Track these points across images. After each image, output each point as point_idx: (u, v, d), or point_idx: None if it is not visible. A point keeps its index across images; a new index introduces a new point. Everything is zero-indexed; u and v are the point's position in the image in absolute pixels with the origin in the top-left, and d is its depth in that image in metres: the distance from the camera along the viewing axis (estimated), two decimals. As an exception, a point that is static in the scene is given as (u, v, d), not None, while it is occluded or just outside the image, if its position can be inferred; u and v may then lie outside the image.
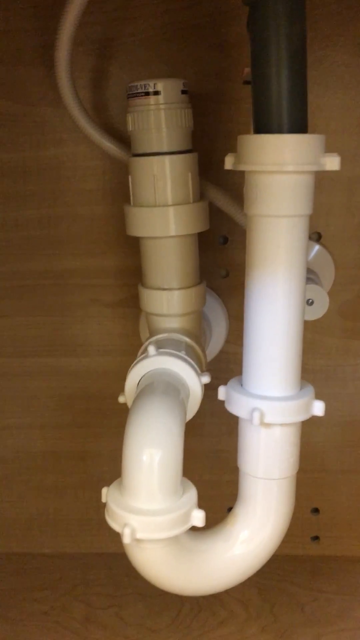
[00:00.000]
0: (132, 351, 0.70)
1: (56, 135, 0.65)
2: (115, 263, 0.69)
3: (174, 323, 0.58)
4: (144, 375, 0.51)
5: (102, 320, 0.71)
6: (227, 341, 0.69)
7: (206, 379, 0.51)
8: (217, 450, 0.75)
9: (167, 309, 0.57)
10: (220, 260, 0.67)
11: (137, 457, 0.43)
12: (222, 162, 0.62)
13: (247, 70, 0.51)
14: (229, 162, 0.43)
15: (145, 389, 0.48)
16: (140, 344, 0.68)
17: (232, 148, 0.62)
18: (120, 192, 0.66)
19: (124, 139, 0.60)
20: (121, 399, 0.53)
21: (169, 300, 0.57)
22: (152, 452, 0.43)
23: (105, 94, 0.63)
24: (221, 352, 0.70)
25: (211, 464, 0.75)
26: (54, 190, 0.67)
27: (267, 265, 0.42)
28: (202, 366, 0.56)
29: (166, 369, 0.50)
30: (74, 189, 0.66)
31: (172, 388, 0.48)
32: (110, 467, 0.76)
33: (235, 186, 0.64)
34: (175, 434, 0.44)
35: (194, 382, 0.51)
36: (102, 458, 0.76)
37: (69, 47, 0.54)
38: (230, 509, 0.52)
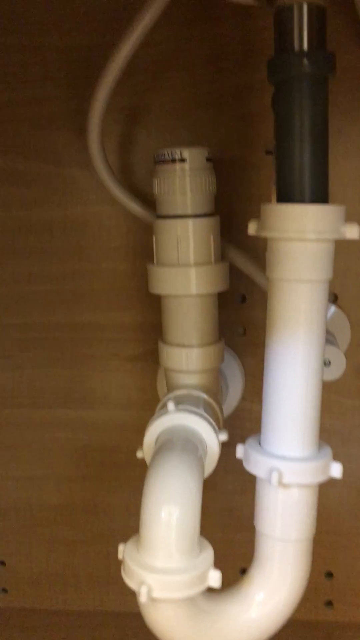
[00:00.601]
0: (149, 406, 0.71)
1: (83, 195, 0.68)
2: (135, 318, 0.70)
3: (193, 379, 0.59)
4: (162, 431, 0.51)
5: (120, 374, 0.72)
6: (242, 398, 0.70)
7: (224, 437, 0.52)
8: (230, 508, 0.74)
9: (186, 366, 0.58)
10: (238, 318, 0.69)
11: (155, 513, 0.43)
12: (242, 224, 0.65)
13: (269, 140, 0.54)
14: (252, 228, 0.45)
15: (164, 445, 0.49)
16: (158, 399, 0.69)
17: (252, 211, 0.65)
18: (142, 250, 0.68)
19: (148, 201, 0.63)
20: (139, 454, 0.53)
21: (188, 357, 0.58)
22: (171, 509, 0.43)
23: (132, 158, 0.66)
24: (237, 408, 0.70)
25: (224, 522, 0.75)
26: (79, 246, 0.69)
27: (288, 327, 0.43)
28: (220, 423, 0.57)
29: (184, 426, 0.51)
30: (99, 246, 0.69)
31: (191, 445, 0.49)
32: (122, 523, 0.75)
33: (254, 247, 0.66)
34: (193, 492, 0.44)
35: (211, 439, 0.51)
36: (114, 513, 0.75)
37: (101, 115, 0.58)
38: (243, 570, 0.51)
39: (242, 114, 0.64)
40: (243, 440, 0.52)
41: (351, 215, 0.45)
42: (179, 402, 0.54)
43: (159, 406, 0.58)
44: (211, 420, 0.52)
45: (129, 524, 0.75)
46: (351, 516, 0.72)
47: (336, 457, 0.48)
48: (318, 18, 0.40)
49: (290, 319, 0.43)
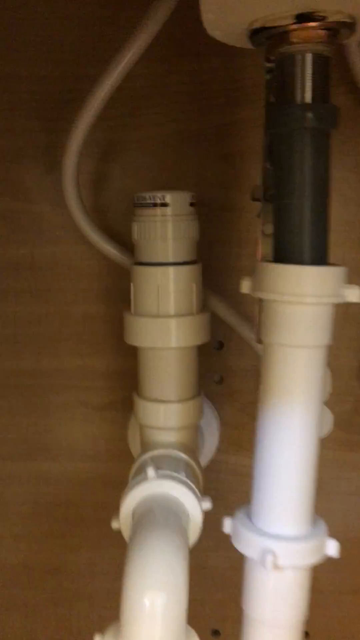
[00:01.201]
0: (118, 458, 0.67)
1: (53, 234, 0.63)
2: (105, 365, 0.66)
3: (170, 436, 0.55)
4: (141, 500, 0.47)
5: (88, 424, 0.67)
6: (218, 449, 0.66)
7: (207, 505, 0.48)
8: (203, 565, 0.70)
9: (164, 422, 0.54)
10: (215, 365, 0.65)
11: (137, 600, 0.39)
12: (222, 269, 0.63)
13: (256, 185, 0.51)
14: (245, 287, 0.42)
15: (144, 519, 0.44)
16: (128, 451, 0.65)
17: (232, 255, 0.63)
18: (115, 293, 0.64)
19: (122, 241, 0.59)
20: (115, 525, 0.49)
21: (166, 413, 0.54)
22: (155, 596, 0.39)
23: (106, 196, 0.62)
24: (212, 460, 0.66)
25: (196, 580, 0.70)
26: (47, 288, 0.65)
27: (283, 396, 0.40)
28: (200, 485, 0.53)
29: (166, 495, 0.47)
30: (68, 288, 0.64)
31: (173, 518, 0.45)
32: (86, 582, 0.70)
33: (232, 293, 0.63)
34: (179, 575, 0.40)
35: (195, 509, 0.47)
36: (78, 573, 0.70)
37: (78, 152, 0.54)
38: (215, 631, 0.47)
39: (224, 154, 0.61)
40: (218, 494, 0.49)
41: (338, 260, 0.42)
42: (157, 464, 0.50)
43: (134, 467, 0.53)
44: (194, 487, 0.48)
45: (93, 584, 0.70)
46: (330, 573, 0.69)
47: (316, 510, 0.45)
48: (322, 68, 0.37)
49: (286, 387, 0.40)
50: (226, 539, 0.50)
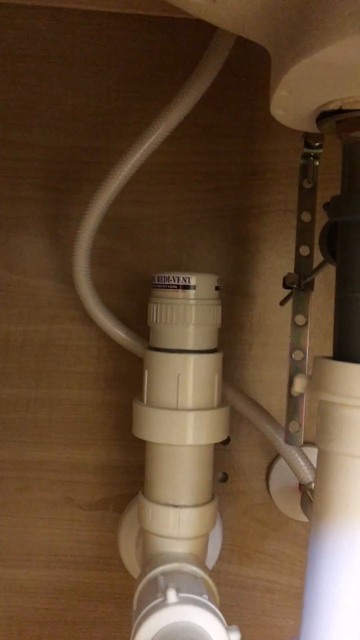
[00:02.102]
0: (107, 566, 0.59)
1: (50, 310, 0.58)
2: (97, 458, 0.59)
3: (181, 547, 0.48)
4: (162, 631, 0.40)
5: (73, 525, 0.59)
6: (219, 558, 0.60)
7: (235, 637, 0.41)
8: None
9: (177, 531, 0.48)
10: (220, 462, 0.59)
11: None
12: (232, 357, 0.59)
13: (290, 273, 0.48)
14: (299, 385, 0.37)
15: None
16: (118, 558, 0.58)
17: (244, 342, 0.59)
18: (114, 378, 0.59)
19: (126, 322, 0.54)
20: (126, 660, 0.41)
21: (179, 520, 0.48)
22: None
23: (112, 273, 0.58)
24: (213, 570, 0.59)
25: None
26: (39, 369, 0.58)
27: (345, 513, 0.35)
28: (218, 607, 0.46)
29: (189, 624, 0.40)
30: (62, 371, 0.58)
31: (203, 655, 0.38)
32: None
33: (243, 383, 0.58)
34: None
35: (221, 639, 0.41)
36: None
37: (94, 228, 0.50)
38: None
39: (238, 237, 0.59)
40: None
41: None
42: (175, 584, 0.43)
43: (141, 583, 0.46)
44: (219, 613, 0.42)
45: None
46: None
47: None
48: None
49: (348, 504, 0.35)
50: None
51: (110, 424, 0.59)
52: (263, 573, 0.60)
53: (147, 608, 0.41)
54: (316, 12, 0.27)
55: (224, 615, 0.42)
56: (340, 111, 0.34)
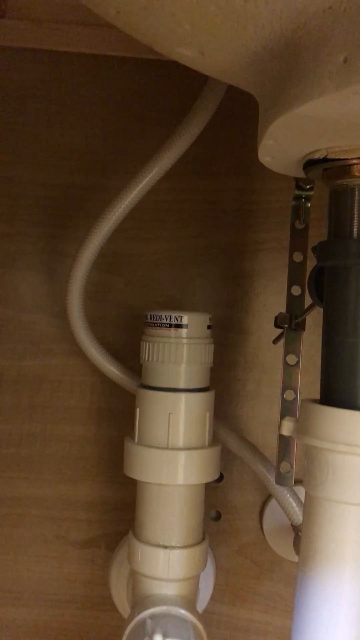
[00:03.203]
0: (97, 606, 0.59)
1: (44, 346, 0.58)
2: (89, 494, 0.59)
3: (171, 589, 0.48)
4: None
5: (64, 563, 0.59)
6: (212, 598, 0.59)
7: None
8: None
9: (166, 573, 0.47)
10: (212, 500, 0.59)
11: None
12: (226, 394, 0.58)
13: (281, 313, 0.48)
14: (286, 428, 0.37)
15: None
16: (109, 597, 0.57)
17: (237, 379, 0.59)
18: (107, 413, 0.59)
19: (120, 357, 0.55)
20: None
21: (169, 561, 0.47)
22: None
23: (105, 309, 0.58)
24: (204, 610, 0.59)
25: None
26: (31, 404, 0.58)
27: (331, 560, 0.35)
28: (206, 653, 0.45)
29: (176, 671, 0.39)
30: (55, 405, 0.58)
31: None
32: None
33: (236, 421, 0.58)
34: None
35: None
36: None
37: (88, 264, 0.50)
38: None
39: (232, 274, 0.59)
40: None
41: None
42: (162, 628, 0.42)
43: (129, 627, 0.45)
44: (208, 660, 0.41)
45: None
46: None
47: None
48: (381, 204, 0.35)
49: (335, 551, 0.35)
50: None
51: (103, 460, 0.59)
52: (256, 614, 0.59)
53: (133, 654, 0.41)
54: (298, 69, 0.28)
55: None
56: (326, 160, 0.35)
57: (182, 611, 0.46)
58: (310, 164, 0.36)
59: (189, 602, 0.48)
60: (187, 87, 0.56)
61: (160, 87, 0.57)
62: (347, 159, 0.34)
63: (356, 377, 0.35)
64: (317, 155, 0.35)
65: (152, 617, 0.45)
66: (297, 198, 0.48)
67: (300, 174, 0.38)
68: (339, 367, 0.36)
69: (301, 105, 0.28)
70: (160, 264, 0.58)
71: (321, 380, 0.37)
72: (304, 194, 0.47)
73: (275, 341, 0.51)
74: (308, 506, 0.36)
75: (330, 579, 0.35)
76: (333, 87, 0.26)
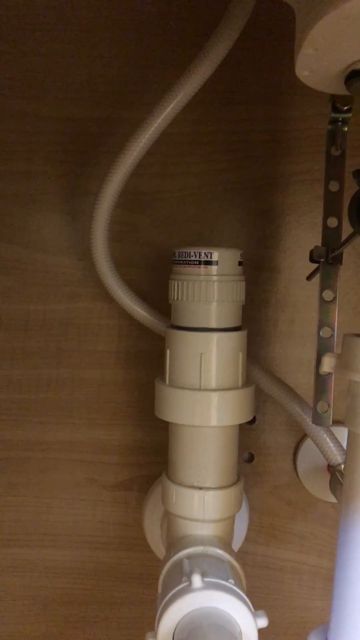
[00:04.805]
0: (131, 546, 0.59)
1: (70, 289, 0.57)
2: (120, 438, 0.58)
3: (207, 530, 0.47)
4: (186, 617, 0.39)
5: (97, 505, 0.59)
6: (246, 539, 0.59)
7: (263, 623, 0.40)
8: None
9: (202, 513, 0.46)
10: (246, 441, 0.58)
11: None
12: (258, 334, 0.57)
13: (317, 246, 0.46)
14: (328, 364, 0.35)
15: (195, 643, 0.36)
16: (143, 539, 0.57)
17: (269, 319, 0.57)
18: (136, 357, 0.57)
19: (147, 299, 0.53)
20: (150, 644, 0.40)
21: (204, 502, 0.46)
22: None
23: (131, 250, 0.56)
24: (239, 550, 0.59)
25: None
26: (59, 349, 0.57)
27: (377, 498, 0.33)
28: (245, 591, 0.45)
29: (215, 610, 0.39)
30: (83, 349, 0.57)
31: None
32: None
33: (269, 362, 0.57)
34: None
35: (249, 626, 0.40)
36: None
37: (111, 203, 0.48)
38: None
39: (262, 209, 0.56)
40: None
41: None
42: (201, 568, 0.42)
43: (166, 566, 0.45)
44: (246, 599, 0.40)
45: None
46: None
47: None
48: None
49: (381, 488, 0.33)
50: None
51: (133, 403, 0.58)
52: (291, 554, 0.59)
53: (172, 593, 0.40)
54: None
55: (250, 597, 0.41)
56: (369, 70, 0.32)
57: (219, 551, 0.45)
58: (352, 75, 0.33)
59: (225, 543, 0.47)
60: (211, 11, 0.52)
61: (183, 10, 0.53)
62: (394, 67, 0.31)
63: None
64: (358, 66, 0.32)
65: (189, 557, 0.45)
66: (333, 122, 0.45)
67: (341, 89, 0.35)
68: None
69: (347, 2, 0.25)
70: (186, 200, 0.56)
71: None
72: (340, 116, 0.44)
73: (309, 277, 0.49)
74: (351, 444, 0.35)
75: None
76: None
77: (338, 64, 0.32)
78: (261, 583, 0.60)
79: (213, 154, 0.55)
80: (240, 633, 0.39)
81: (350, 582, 0.34)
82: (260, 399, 0.57)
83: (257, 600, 0.43)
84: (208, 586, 0.40)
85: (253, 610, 0.40)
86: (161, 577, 0.45)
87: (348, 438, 0.35)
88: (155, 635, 0.40)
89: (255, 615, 0.40)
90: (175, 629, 0.39)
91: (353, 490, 0.34)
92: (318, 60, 0.32)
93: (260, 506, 0.59)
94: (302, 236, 0.56)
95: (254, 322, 0.57)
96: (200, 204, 0.56)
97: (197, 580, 0.40)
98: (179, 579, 0.42)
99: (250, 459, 0.59)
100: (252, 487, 0.59)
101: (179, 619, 0.39)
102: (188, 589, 0.40)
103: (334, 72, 0.33)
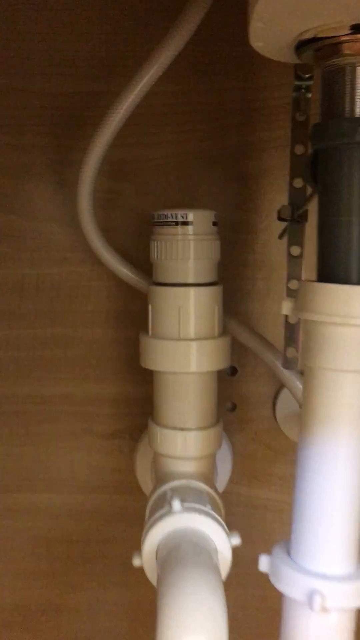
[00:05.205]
0: (125, 489, 0.64)
1: (59, 254, 0.61)
2: (113, 390, 0.63)
3: (189, 466, 0.52)
4: (167, 535, 0.44)
5: (92, 453, 0.64)
6: (230, 480, 0.64)
7: (236, 541, 0.45)
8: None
9: (183, 451, 0.51)
10: (228, 392, 0.63)
11: (173, 648, 0.36)
12: (236, 292, 0.61)
13: (283, 205, 0.50)
14: (286, 307, 0.40)
15: (174, 557, 0.41)
16: (135, 482, 0.62)
17: (247, 278, 0.61)
18: (124, 315, 0.62)
19: (132, 262, 0.57)
20: (137, 562, 0.45)
21: (185, 442, 0.51)
22: (194, 641, 0.36)
23: (117, 215, 0.60)
24: (224, 492, 0.64)
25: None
26: (53, 310, 0.62)
27: (328, 423, 0.38)
28: (223, 518, 0.50)
29: (193, 529, 0.44)
30: (75, 310, 0.62)
31: (205, 554, 0.42)
32: (87, 625, 0.66)
33: (247, 317, 0.61)
34: (219, 617, 0.37)
35: (224, 545, 0.45)
36: (79, 614, 0.66)
37: (96, 170, 0.52)
38: None
39: (239, 174, 0.60)
40: (230, 528, 0.45)
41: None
42: (179, 495, 0.47)
43: (152, 499, 0.50)
44: (222, 521, 0.45)
45: (94, 627, 0.66)
46: None
47: None
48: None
49: (330, 415, 0.38)
50: (235, 578, 0.46)
51: (122, 359, 0.62)
52: (272, 494, 0.64)
53: (155, 516, 0.45)
54: None
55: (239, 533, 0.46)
56: (316, 39, 0.35)
57: (200, 484, 0.50)
58: (301, 45, 0.36)
59: (206, 478, 0.52)
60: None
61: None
62: (336, 36, 0.35)
63: (349, 254, 0.37)
64: (306, 36, 0.35)
65: (172, 489, 0.49)
66: (297, 89, 0.48)
67: (294, 58, 0.38)
68: (333, 245, 0.37)
69: (283, -21, 0.29)
70: (167, 168, 0.60)
71: (317, 260, 0.39)
72: (303, 84, 0.48)
73: (280, 236, 0.53)
74: (306, 377, 0.39)
75: (329, 439, 0.38)
76: None
77: (286, 35, 0.36)
78: (245, 521, 0.65)
79: (191, 123, 0.59)
80: (216, 550, 0.44)
81: (306, 494, 0.39)
82: (240, 352, 0.61)
83: (242, 537, 0.47)
84: (187, 510, 0.45)
85: (228, 531, 0.45)
86: (147, 508, 0.50)
87: (304, 373, 0.40)
88: (140, 554, 0.45)
89: (229, 535, 0.45)
90: (157, 547, 0.44)
91: (308, 419, 0.39)
92: (268, 33, 0.36)
93: (243, 451, 0.64)
94: (277, 199, 0.60)
95: (234, 282, 0.61)
96: (180, 171, 0.60)
97: (176, 504, 0.45)
98: (161, 506, 0.47)
99: (233, 408, 0.63)
100: (235, 434, 0.63)
101: (160, 537, 0.44)
102: (169, 512, 0.45)
103: (284, 43, 0.37)
